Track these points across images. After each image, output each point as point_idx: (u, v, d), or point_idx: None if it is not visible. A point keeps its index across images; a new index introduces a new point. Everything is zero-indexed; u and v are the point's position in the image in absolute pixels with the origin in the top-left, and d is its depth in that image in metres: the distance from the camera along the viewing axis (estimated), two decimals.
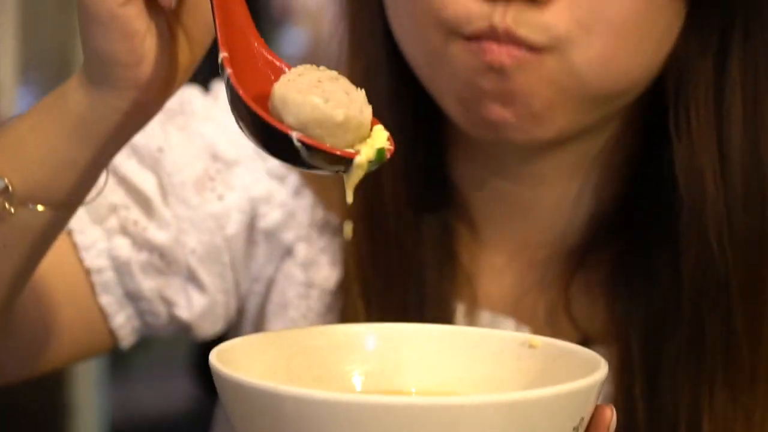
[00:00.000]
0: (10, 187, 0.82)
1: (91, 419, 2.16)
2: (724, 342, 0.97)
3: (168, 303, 1.08)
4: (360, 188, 0.93)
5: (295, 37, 5.80)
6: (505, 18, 0.88)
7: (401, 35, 0.96)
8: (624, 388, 1.00)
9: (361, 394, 0.72)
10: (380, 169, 0.93)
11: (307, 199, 1.09)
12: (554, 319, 1.06)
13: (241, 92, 0.73)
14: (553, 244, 1.07)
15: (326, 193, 1.08)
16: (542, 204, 1.06)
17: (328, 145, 0.71)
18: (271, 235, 1.08)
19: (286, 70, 0.77)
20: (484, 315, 1.07)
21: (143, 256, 1.03)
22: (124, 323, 1.05)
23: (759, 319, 0.97)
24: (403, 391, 0.82)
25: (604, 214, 1.06)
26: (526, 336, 0.82)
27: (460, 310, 1.06)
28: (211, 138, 1.07)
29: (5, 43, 1.91)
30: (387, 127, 0.92)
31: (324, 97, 0.71)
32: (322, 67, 0.76)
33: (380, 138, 0.76)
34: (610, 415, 0.72)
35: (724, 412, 0.98)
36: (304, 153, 0.71)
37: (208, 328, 1.10)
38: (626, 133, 1.03)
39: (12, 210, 0.82)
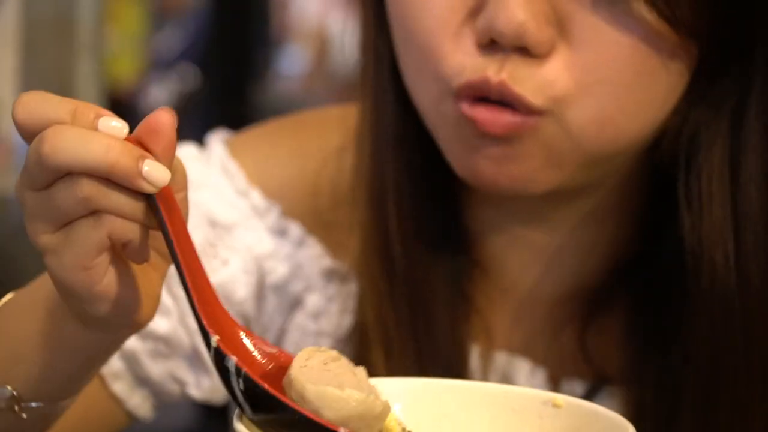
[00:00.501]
0: (17, 396, 0.83)
1: None
2: (737, 408, 0.97)
3: (179, 383, 1.08)
4: (369, 230, 1.03)
5: (293, 55, 5.88)
6: (501, 72, 0.86)
7: (406, 79, 0.95)
8: (639, 428, 0.97)
9: None
10: (386, 210, 1.02)
11: (311, 249, 1.09)
12: (570, 359, 1.05)
13: (268, 388, 0.71)
14: (568, 288, 1.05)
15: (332, 241, 1.08)
16: (554, 248, 1.05)
17: None
18: (279, 288, 1.08)
19: (248, 340, 0.77)
20: (500, 356, 1.06)
21: (148, 345, 1.04)
22: (140, 404, 1.06)
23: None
24: None
25: (619, 260, 1.04)
26: (550, 395, 0.79)
27: (475, 351, 1.05)
28: (207, 205, 1.07)
29: (6, 62, 1.91)
30: (391, 166, 1.03)
31: (362, 391, 0.71)
32: (322, 348, 0.74)
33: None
34: None
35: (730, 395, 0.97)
36: None
37: (222, 397, 1.11)
38: (635, 187, 1.02)
39: (24, 415, 0.83)
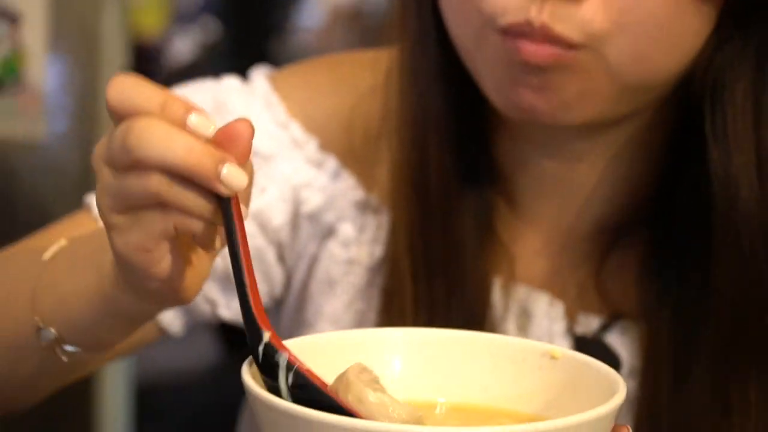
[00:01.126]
0: (59, 338, 0.86)
1: (117, 375, 2.15)
2: (757, 338, 0.98)
3: (211, 303, 1.10)
4: (405, 163, 1.05)
5: (311, 9, 5.84)
6: (542, 13, 0.88)
7: (447, 15, 0.96)
8: (651, 365, 1.02)
9: (368, 422, 0.67)
10: (426, 144, 1.04)
11: (346, 182, 1.11)
12: (586, 294, 1.07)
13: (321, 385, 0.73)
14: (590, 223, 1.07)
15: (365, 174, 1.10)
16: (581, 183, 1.06)
17: None
18: (313, 217, 1.10)
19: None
20: (520, 289, 1.07)
21: None
22: (172, 321, 1.08)
23: None
24: (431, 403, 0.81)
25: (641, 197, 1.06)
26: (548, 347, 0.80)
27: (498, 283, 1.07)
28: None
29: (36, 14, 1.91)
30: (433, 102, 1.03)
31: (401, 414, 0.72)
32: (367, 368, 0.75)
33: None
34: None
35: (755, 404, 0.99)
36: None
37: None
38: (663, 122, 1.03)
39: (64, 358, 0.87)
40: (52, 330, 0.85)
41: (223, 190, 0.68)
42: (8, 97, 1.90)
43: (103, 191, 0.70)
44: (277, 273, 1.08)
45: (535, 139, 1.04)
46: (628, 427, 0.73)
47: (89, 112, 1.98)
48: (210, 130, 0.68)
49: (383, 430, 0.66)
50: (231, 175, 0.67)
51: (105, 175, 0.69)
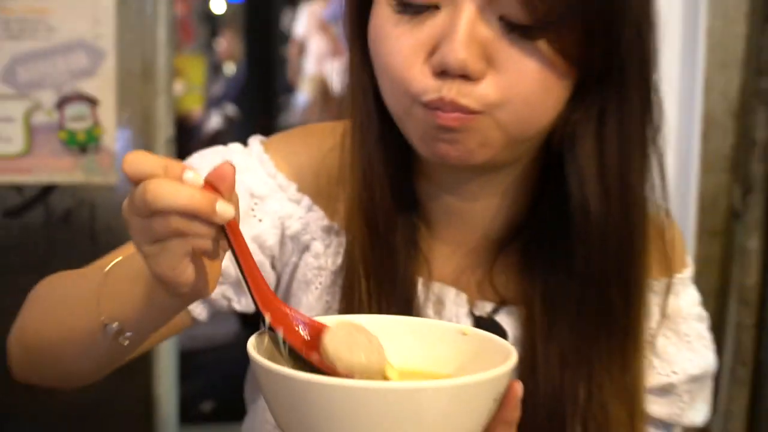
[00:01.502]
0: (123, 329, 0.86)
1: (167, 344, 2.10)
2: (604, 308, 0.97)
3: (227, 299, 1.08)
4: (357, 200, 1.02)
5: (301, 95, 5.79)
6: (451, 92, 0.86)
7: (384, 95, 0.96)
8: (529, 335, 1.02)
9: (332, 378, 0.68)
10: (371, 187, 1.01)
11: (316, 213, 1.09)
12: (482, 287, 1.06)
13: (300, 353, 0.76)
14: (482, 239, 1.04)
15: (330, 208, 1.08)
16: (475, 213, 1.05)
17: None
18: (294, 238, 1.09)
19: (293, 316, 0.80)
20: (436, 285, 1.06)
21: None
22: (200, 312, 1.07)
23: (630, 292, 0.97)
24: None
25: (516, 220, 1.05)
26: (460, 326, 0.83)
27: (420, 281, 1.05)
28: (249, 183, 1.06)
29: (108, 99, 1.92)
30: (375, 159, 1.01)
31: (365, 353, 0.74)
32: (354, 322, 0.80)
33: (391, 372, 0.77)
34: (519, 388, 0.75)
35: (607, 357, 0.98)
36: None
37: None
38: (535, 164, 1.02)
39: (125, 343, 0.87)
40: (115, 325, 0.86)
41: (218, 221, 0.71)
42: (90, 156, 1.91)
43: (135, 233, 0.72)
44: (272, 277, 1.09)
45: (443, 182, 1.03)
46: (520, 382, 0.75)
47: None
48: (200, 181, 0.71)
49: (327, 383, 0.66)
50: (222, 210, 0.70)
51: (134, 221, 0.71)
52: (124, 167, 0.70)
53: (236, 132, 5.83)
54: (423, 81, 0.88)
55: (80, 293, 0.92)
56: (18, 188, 1.93)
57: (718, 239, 2.13)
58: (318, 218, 1.08)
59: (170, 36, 2.01)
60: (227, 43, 11.63)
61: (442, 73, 0.86)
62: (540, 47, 0.86)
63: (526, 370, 0.96)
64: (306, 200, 1.08)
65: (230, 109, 6.06)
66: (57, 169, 1.92)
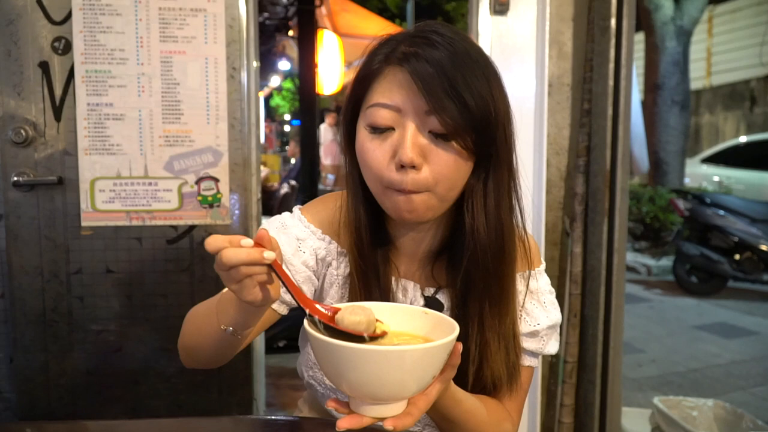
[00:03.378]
0: (235, 331, 0.85)
1: None
2: (489, 289, 0.93)
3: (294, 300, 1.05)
4: (353, 236, 0.98)
5: (330, 177, 5.71)
6: (407, 182, 0.85)
7: (367, 183, 0.92)
8: (453, 305, 0.98)
9: (351, 343, 0.66)
10: (359, 229, 0.97)
11: (333, 245, 1.03)
12: (428, 279, 1.02)
13: (328, 323, 0.73)
14: (426, 252, 1.01)
15: (340, 241, 1.03)
16: (422, 239, 1.00)
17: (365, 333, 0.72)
18: (323, 260, 1.03)
19: (319, 306, 0.77)
20: (402, 280, 1.02)
21: (283, 289, 1.04)
22: (282, 309, 1.01)
23: (503, 278, 0.93)
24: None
25: (444, 241, 1.00)
26: (424, 309, 0.79)
27: (394, 279, 1.01)
28: (294, 232, 1.02)
29: (225, 177, 1.93)
30: (363, 213, 0.97)
31: (360, 317, 0.72)
32: (359, 303, 0.78)
33: (380, 326, 0.76)
34: (459, 346, 0.73)
35: (490, 319, 0.94)
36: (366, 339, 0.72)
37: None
38: (449, 212, 0.96)
39: (239, 338, 0.86)
40: (230, 328, 0.84)
41: (267, 262, 0.70)
42: (215, 209, 1.91)
43: (223, 280, 0.72)
44: (316, 282, 1.04)
45: (404, 226, 1.00)
46: (460, 342, 0.74)
47: (245, 213, 1.96)
48: (251, 243, 0.70)
49: (350, 347, 0.65)
50: (267, 255, 0.70)
51: (221, 274, 0.71)
52: (207, 246, 0.70)
53: (296, 195, 5.83)
54: (391, 176, 0.86)
55: (207, 313, 0.90)
56: (174, 228, 1.92)
57: (558, 247, 2.14)
58: (334, 248, 1.03)
59: (258, 144, 2.02)
60: (292, 147, 11.75)
61: (401, 167, 0.85)
62: (453, 146, 0.85)
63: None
64: (327, 238, 1.03)
65: (292, 182, 6.05)
66: (196, 217, 1.92)
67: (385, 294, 0.98)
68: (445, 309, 1.00)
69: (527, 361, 1.02)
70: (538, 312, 1.02)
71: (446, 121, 0.83)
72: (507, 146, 0.90)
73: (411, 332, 0.78)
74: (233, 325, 0.84)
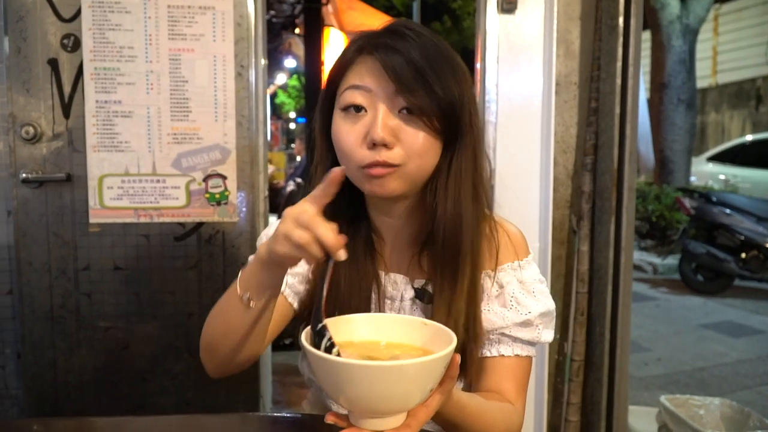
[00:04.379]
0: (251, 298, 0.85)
1: None
2: (455, 276, 0.95)
3: (308, 291, 1.04)
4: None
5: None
6: (380, 156, 0.88)
7: (342, 164, 0.93)
8: (435, 291, 0.97)
9: (344, 359, 0.67)
10: (336, 215, 0.93)
11: None
12: (414, 271, 1.01)
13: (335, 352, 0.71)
14: (408, 242, 1.02)
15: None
16: (401, 226, 1.02)
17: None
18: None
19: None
20: (390, 274, 1.03)
21: (297, 279, 1.03)
22: (297, 304, 1.04)
23: (462, 264, 0.94)
24: (378, 341, 0.78)
25: (422, 231, 0.99)
26: (423, 320, 0.78)
27: (381, 273, 1.03)
28: None
29: (232, 174, 1.92)
30: (342, 204, 0.95)
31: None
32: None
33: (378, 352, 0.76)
34: (457, 358, 0.72)
35: (459, 295, 0.94)
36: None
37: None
38: (422, 196, 0.97)
39: (252, 305, 0.86)
40: (247, 293, 0.85)
41: (335, 258, 0.73)
42: (223, 207, 1.91)
43: (288, 240, 0.74)
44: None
45: (380, 207, 1.01)
46: (458, 355, 0.72)
47: (252, 210, 1.96)
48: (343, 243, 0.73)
49: (347, 363, 0.64)
50: (341, 254, 0.73)
51: (285, 245, 0.75)
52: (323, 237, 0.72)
53: (302, 193, 5.83)
54: (362, 153, 0.89)
55: (227, 299, 0.90)
56: (182, 225, 1.93)
57: (565, 246, 2.13)
58: None
59: (266, 142, 2.03)
60: (297, 145, 11.76)
61: (373, 145, 0.88)
62: (421, 125, 0.89)
63: (441, 309, 0.95)
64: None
65: (298, 180, 6.05)
66: (204, 214, 1.92)
67: (366, 284, 1.00)
68: (433, 296, 1.01)
69: (524, 350, 1.02)
70: (528, 301, 1.01)
71: (412, 100, 0.87)
72: (472, 132, 0.94)
73: (409, 343, 0.77)
74: (251, 291, 0.85)
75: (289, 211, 0.75)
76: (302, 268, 1.05)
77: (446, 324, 0.94)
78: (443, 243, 0.94)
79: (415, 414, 0.71)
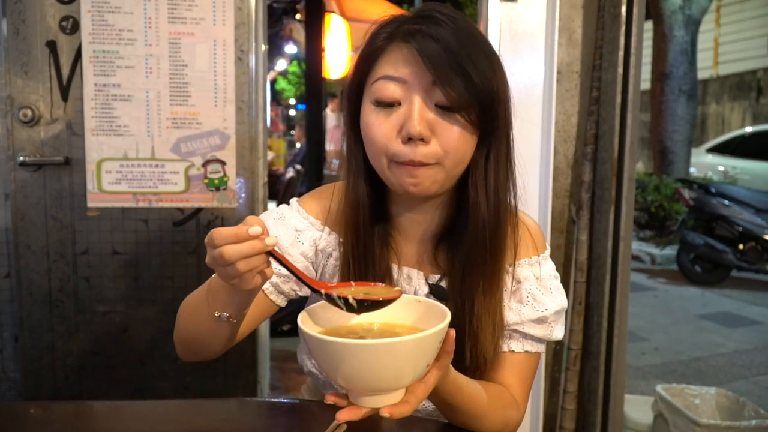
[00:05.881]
0: (230, 317, 0.83)
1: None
2: (483, 266, 0.92)
3: (295, 291, 1.01)
4: (349, 221, 0.97)
5: (335, 161, 5.74)
6: (416, 154, 0.85)
7: (371, 159, 0.92)
8: (452, 288, 0.95)
9: (337, 337, 0.66)
10: (359, 209, 0.95)
11: (333, 235, 1.01)
12: (431, 265, 1.00)
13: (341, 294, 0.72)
14: (428, 236, 1.00)
15: (337, 230, 1.00)
16: (423, 220, 0.99)
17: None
18: (323, 251, 1.02)
19: (326, 283, 0.77)
20: (404, 268, 1.01)
21: (281, 279, 0.98)
22: (281, 301, 1.01)
23: (495, 257, 0.93)
24: (371, 322, 0.78)
25: (445, 224, 0.99)
26: (417, 297, 0.78)
27: (394, 267, 1.00)
28: (293, 223, 1.01)
29: (232, 160, 1.91)
30: (365, 194, 0.95)
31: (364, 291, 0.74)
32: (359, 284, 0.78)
33: (380, 291, 0.76)
34: (452, 333, 0.72)
35: (481, 296, 0.93)
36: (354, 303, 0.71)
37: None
38: (451, 193, 0.96)
39: (233, 321, 0.84)
40: (225, 314, 0.83)
41: (269, 248, 0.70)
42: (222, 192, 1.91)
43: (221, 274, 0.73)
44: (314, 274, 1.03)
45: (406, 204, 0.98)
46: (453, 330, 0.72)
47: (251, 197, 1.96)
48: (260, 230, 0.69)
49: (338, 342, 0.64)
50: (270, 241, 0.70)
51: (219, 270, 0.72)
52: (213, 240, 0.69)
53: (302, 180, 5.81)
54: (397, 148, 0.86)
55: (198, 303, 0.88)
56: (181, 210, 1.92)
57: (564, 235, 2.13)
58: (334, 238, 1.02)
59: (265, 128, 2.02)
60: (297, 132, 11.73)
61: (409, 140, 0.85)
62: (459, 120, 0.85)
63: (458, 308, 0.94)
64: (327, 228, 1.03)
65: (298, 167, 6.04)
66: (203, 199, 1.91)
67: (380, 279, 0.96)
68: (449, 293, 0.99)
69: (533, 347, 1.01)
70: (545, 298, 1.00)
71: (451, 95, 0.83)
72: (506, 124, 0.92)
73: (404, 323, 0.77)
74: (227, 310, 0.83)
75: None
76: (285, 269, 1.06)
77: (466, 320, 0.94)
78: (478, 238, 0.92)
79: (414, 390, 0.72)
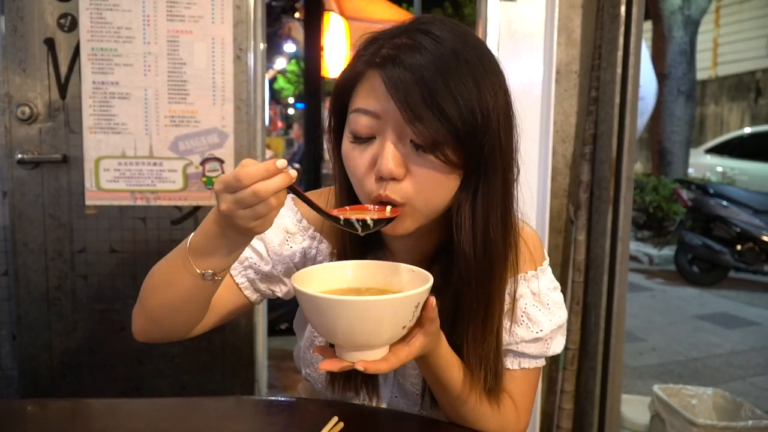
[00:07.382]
0: (214, 274, 0.81)
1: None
2: (471, 310, 0.88)
3: (272, 291, 1.01)
4: (340, 249, 0.96)
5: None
6: (386, 191, 0.80)
7: (355, 190, 0.87)
8: (450, 303, 0.91)
9: (332, 294, 0.71)
10: (345, 237, 0.94)
11: (324, 244, 1.00)
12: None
13: (334, 213, 0.77)
14: (421, 258, 0.96)
15: (330, 240, 1.00)
16: (413, 246, 0.95)
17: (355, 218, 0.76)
18: (313, 259, 1.00)
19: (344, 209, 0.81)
20: None
21: (259, 276, 0.98)
22: (256, 299, 1.00)
23: (486, 301, 0.88)
24: (362, 286, 0.82)
25: (434, 250, 0.95)
26: (411, 267, 0.79)
27: None
28: (285, 224, 1.00)
29: (229, 143, 1.91)
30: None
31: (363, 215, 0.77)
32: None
33: (374, 213, 0.79)
34: (433, 300, 0.73)
35: (472, 341, 0.89)
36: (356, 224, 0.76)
37: (290, 293, 1.02)
38: (438, 222, 0.89)
39: (218, 278, 0.82)
40: (210, 271, 0.80)
41: (293, 181, 0.70)
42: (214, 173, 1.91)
43: (245, 216, 0.70)
44: (294, 270, 0.99)
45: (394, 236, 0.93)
46: (434, 297, 0.74)
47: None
48: (285, 163, 0.69)
49: (327, 297, 0.68)
50: (293, 173, 0.69)
51: (242, 212, 0.70)
52: (242, 177, 0.67)
53: (300, 179, 5.81)
54: (370, 185, 0.82)
55: (173, 267, 0.85)
56: (179, 208, 1.92)
57: (562, 235, 2.13)
58: (326, 247, 1.00)
59: (263, 126, 2.01)
60: (296, 131, 11.72)
61: (380, 178, 0.81)
62: (432, 159, 0.79)
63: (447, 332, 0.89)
64: (318, 237, 1.01)
65: (296, 166, 6.03)
66: (201, 198, 1.91)
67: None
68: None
69: (531, 363, 0.98)
70: (542, 317, 0.97)
71: (423, 133, 0.77)
72: (502, 154, 0.84)
73: (392, 289, 0.81)
74: (212, 266, 0.80)
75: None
76: (266, 267, 1.01)
77: (464, 346, 0.90)
78: (464, 283, 0.88)
79: (396, 351, 0.74)
